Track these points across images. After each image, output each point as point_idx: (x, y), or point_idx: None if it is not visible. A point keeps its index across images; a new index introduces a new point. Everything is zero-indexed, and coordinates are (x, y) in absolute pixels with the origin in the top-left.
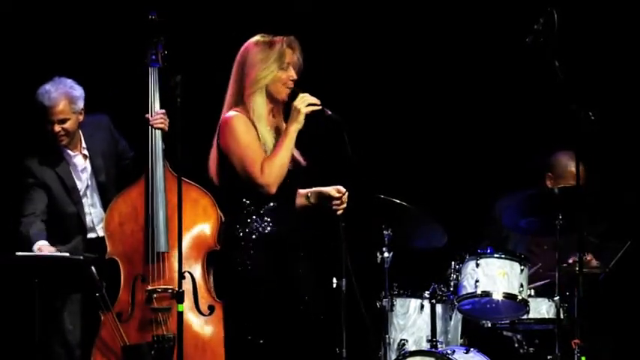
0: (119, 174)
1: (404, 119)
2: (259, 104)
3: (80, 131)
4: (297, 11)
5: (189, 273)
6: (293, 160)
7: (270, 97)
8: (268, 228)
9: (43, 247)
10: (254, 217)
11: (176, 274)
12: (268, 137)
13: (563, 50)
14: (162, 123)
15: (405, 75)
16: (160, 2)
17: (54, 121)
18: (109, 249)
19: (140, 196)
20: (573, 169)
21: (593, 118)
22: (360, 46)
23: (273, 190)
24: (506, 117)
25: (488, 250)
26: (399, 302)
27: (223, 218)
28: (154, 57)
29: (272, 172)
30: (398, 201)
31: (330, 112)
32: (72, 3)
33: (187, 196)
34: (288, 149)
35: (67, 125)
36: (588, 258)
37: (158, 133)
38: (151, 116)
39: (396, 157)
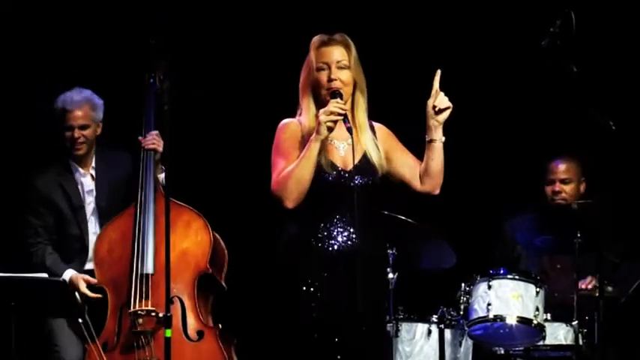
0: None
1: (408, 130)
2: (306, 110)
3: (94, 153)
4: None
5: (178, 297)
6: (338, 170)
7: (319, 102)
8: (322, 244)
9: (77, 280)
10: (308, 232)
11: (160, 297)
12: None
13: (582, 54)
14: (154, 144)
15: (412, 85)
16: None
17: (74, 127)
18: (97, 277)
19: (130, 219)
20: (559, 166)
21: (613, 127)
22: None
23: (289, 204)
24: (519, 129)
25: (501, 271)
26: (404, 327)
27: (213, 241)
28: (152, 80)
29: (285, 185)
30: (403, 217)
31: (349, 124)
32: (71, 17)
33: (179, 218)
34: (307, 162)
35: (86, 132)
36: (587, 281)
37: (150, 154)
38: (144, 137)
39: None
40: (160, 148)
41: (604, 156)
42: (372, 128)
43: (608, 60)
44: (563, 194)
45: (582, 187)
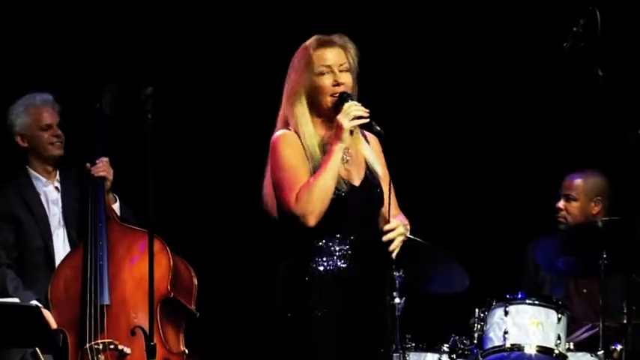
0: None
1: (420, 146)
2: (301, 117)
3: (57, 166)
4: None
5: (141, 327)
6: (347, 183)
7: (316, 109)
8: (332, 267)
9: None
10: (315, 254)
11: (120, 329)
12: (317, 157)
13: (608, 56)
14: (104, 171)
15: (428, 100)
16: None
17: (52, 125)
18: (56, 320)
19: (84, 254)
20: (566, 181)
21: None
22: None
23: (312, 221)
24: (541, 144)
25: (519, 296)
26: (412, 357)
27: (172, 262)
28: (98, 105)
29: (310, 199)
30: (411, 237)
31: (378, 128)
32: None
33: (135, 244)
34: (330, 173)
35: (61, 133)
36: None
37: (100, 182)
38: (93, 165)
39: (410, 187)
40: (110, 176)
41: (632, 168)
42: (365, 138)
43: (638, 62)
44: (563, 213)
45: (595, 209)
